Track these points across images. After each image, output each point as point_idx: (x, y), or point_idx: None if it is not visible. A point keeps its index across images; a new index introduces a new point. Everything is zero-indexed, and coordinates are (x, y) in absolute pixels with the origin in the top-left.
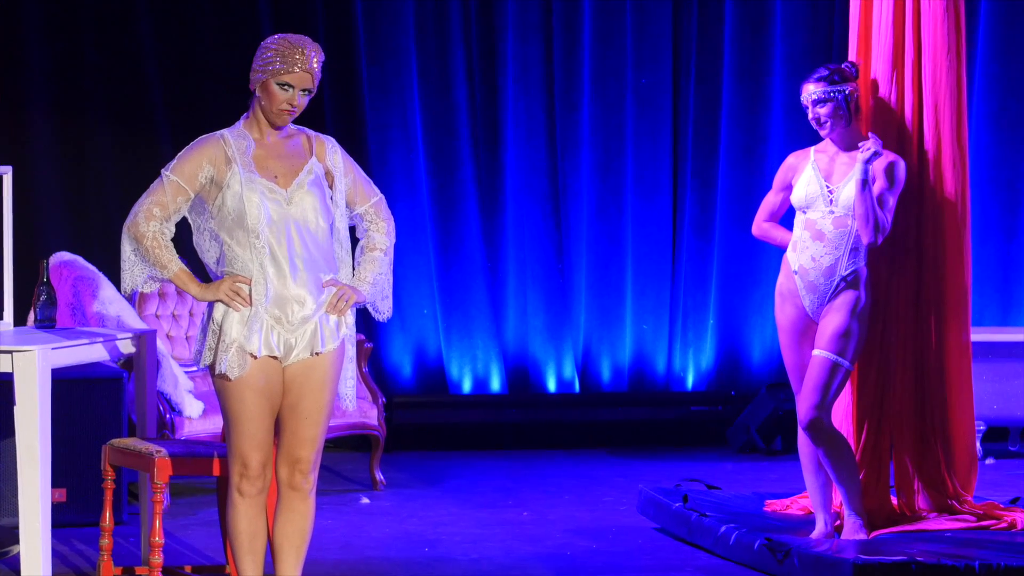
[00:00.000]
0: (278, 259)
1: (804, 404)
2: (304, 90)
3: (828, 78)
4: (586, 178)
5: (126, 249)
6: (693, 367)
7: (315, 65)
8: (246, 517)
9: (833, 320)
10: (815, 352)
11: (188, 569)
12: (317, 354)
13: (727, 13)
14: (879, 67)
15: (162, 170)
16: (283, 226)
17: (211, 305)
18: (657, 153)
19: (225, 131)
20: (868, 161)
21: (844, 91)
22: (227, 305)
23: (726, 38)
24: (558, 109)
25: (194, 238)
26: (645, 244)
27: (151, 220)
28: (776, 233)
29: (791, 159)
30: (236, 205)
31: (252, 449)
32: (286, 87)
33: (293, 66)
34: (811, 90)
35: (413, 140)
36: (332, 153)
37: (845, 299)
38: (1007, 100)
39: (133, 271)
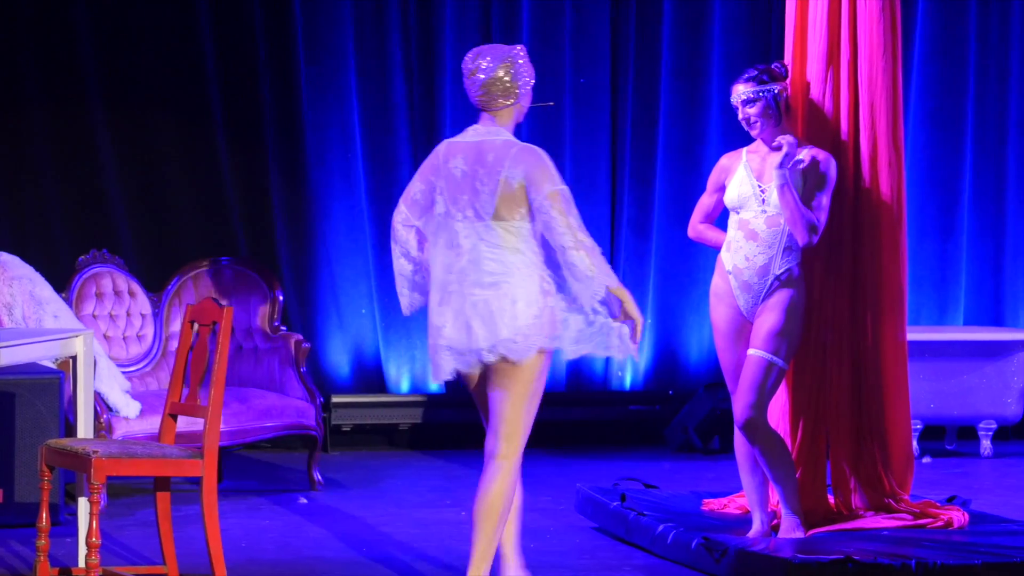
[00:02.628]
0: None
1: (740, 403)
2: None
3: (757, 78)
4: None
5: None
6: (631, 366)
7: None
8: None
9: (768, 319)
10: (750, 351)
11: (126, 570)
12: None
13: (665, 13)
14: (814, 67)
15: None
16: None
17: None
18: (595, 152)
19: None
20: (781, 166)
21: (773, 91)
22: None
23: (664, 38)
24: None
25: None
26: None
27: None
28: (711, 234)
29: (724, 160)
30: None
31: None
32: None
33: None
34: (740, 90)
35: (351, 139)
36: None
37: (779, 298)
38: (944, 100)
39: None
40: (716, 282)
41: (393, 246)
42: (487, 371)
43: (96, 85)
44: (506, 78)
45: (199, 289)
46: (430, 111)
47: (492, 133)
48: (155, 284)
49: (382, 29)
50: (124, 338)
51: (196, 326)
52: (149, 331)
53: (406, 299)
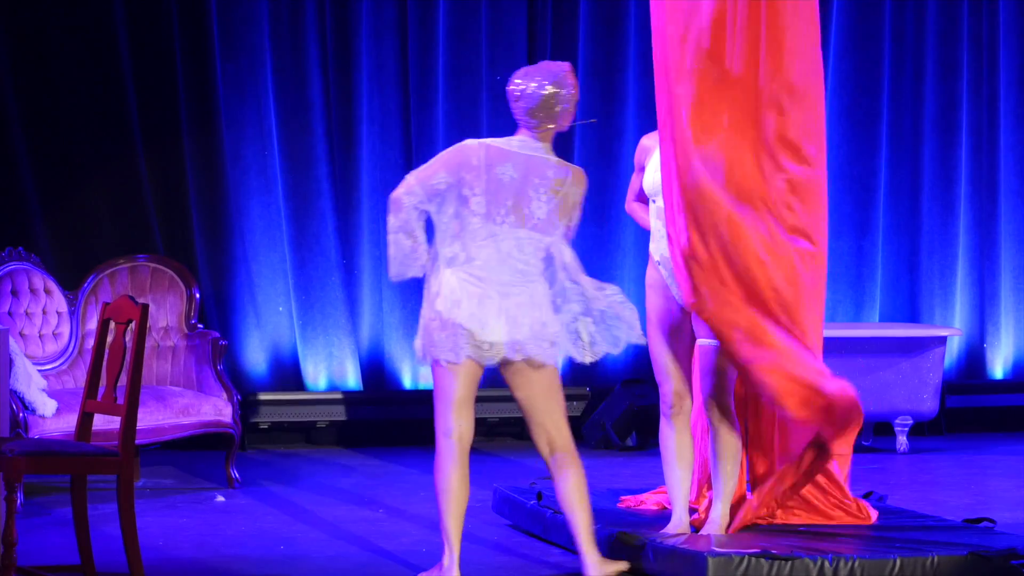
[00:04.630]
0: None
1: (703, 391)
2: None
3: None
4: None
5: None
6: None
7: None
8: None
9: None
10: (700, 342)
11: (43, 569)
12: None
13: (581, 11)
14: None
15: None
16: None
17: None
18: None
19: None
20: None
21: None
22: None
23: (581, 35)
24: (413, 106)
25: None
26: None
27: None
28: (641, 214)
29: (645, 140)
30: None
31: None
32: None
33: None
34: None
35: (268, 137)
36: None
37: None
38: (859, 97)
39: None
40: (650, 273)
41: (392, 219)
42: (513, 371)
43: (10, 83)
44: (557, 104)
45: (116, 287)
46: (347, 109)
47: (541, 150)
48: (72, 282)
49: (298, 27)
50: (40, 336)
51: (112, 324)
52: (65, 329)
53: (402, 269)
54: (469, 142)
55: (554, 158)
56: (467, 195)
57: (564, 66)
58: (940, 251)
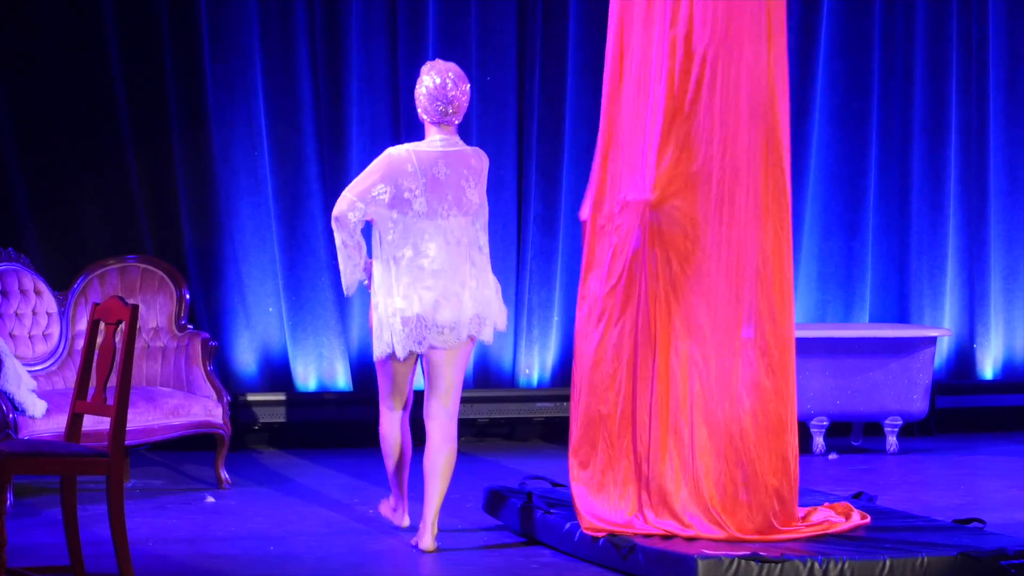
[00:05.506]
0: None
1: None
2: None
3: None
4: None
5: None
6: (538, 364)
7: None
8: None
9: None
10: None
11: (32, 570)
12: None
13: (571, 11)
14: None
15: None
16: None
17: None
18: (503, 150)
19: None
20: None
21: None
22: None
23: (570, 36)
24: (403, 107)
25: None
26: (490, 241)
27: None
28: None
29: None
30: None
31: None
32: None
33: None
34: None
35: (258, 137)
36: None
37: None
38: (849, 97)
39: None
40: None
41: (340, 234)
42: (438, 350)
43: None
44: (464, 97)
45: (105, 288)
46: (336, 109)
47: (457, 143)
48: (61, 282)
49: (288, 27)
50: (30, 337)
51: (102, 325)
52: (55, 330)
53: (353, 279)
54: (395, 150)
55: (468, 147)
56: (409, 198)
57: (454, 64)
58: (930, 251)
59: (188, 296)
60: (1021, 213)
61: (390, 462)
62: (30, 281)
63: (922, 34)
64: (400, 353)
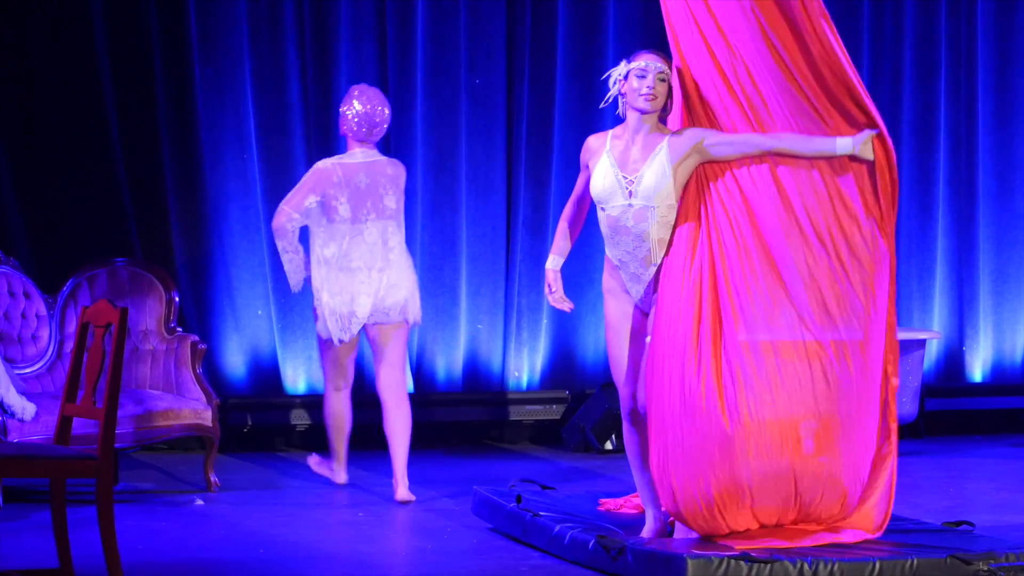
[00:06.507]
0: None
1: (643, 391)
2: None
3: (668, 62)
4: (420, 177)
5: None
6: (528, 367)
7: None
8: None
9: None
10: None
11: (21, 573)
12: None
13: (560, 14)
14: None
15: None
16: None
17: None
18: (491, 153)
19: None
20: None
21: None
22: None
23: (559, 39)
24: (392, 109)
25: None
26: (479, 243)
27: None
28: (562, 230)
29: (591, 141)
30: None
31: None
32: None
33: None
34: (658, 64)
35: (247, 140)
36: None
37: None
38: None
39: None
40: (606, 278)
41: (281, 242)
42: (375, 330)
43: None
44: (386, 123)
45: (95, 290)
46: (326, 112)
47: (376, 156)
48: (51, 285)
49: (277, 30)
50: (19, 339)
51: (92, 327)
52: (44, 332)
53: (298, 278)
54: (322, 164)
55: (384, 158)
56: (335, 205)
57: (378, 91)
58: (918, 254)
59: (177, 299)
60: (1010, 216)
61: (335, 433)
62: (20, 284)
63: (910, 35)
64: (335, 340)
